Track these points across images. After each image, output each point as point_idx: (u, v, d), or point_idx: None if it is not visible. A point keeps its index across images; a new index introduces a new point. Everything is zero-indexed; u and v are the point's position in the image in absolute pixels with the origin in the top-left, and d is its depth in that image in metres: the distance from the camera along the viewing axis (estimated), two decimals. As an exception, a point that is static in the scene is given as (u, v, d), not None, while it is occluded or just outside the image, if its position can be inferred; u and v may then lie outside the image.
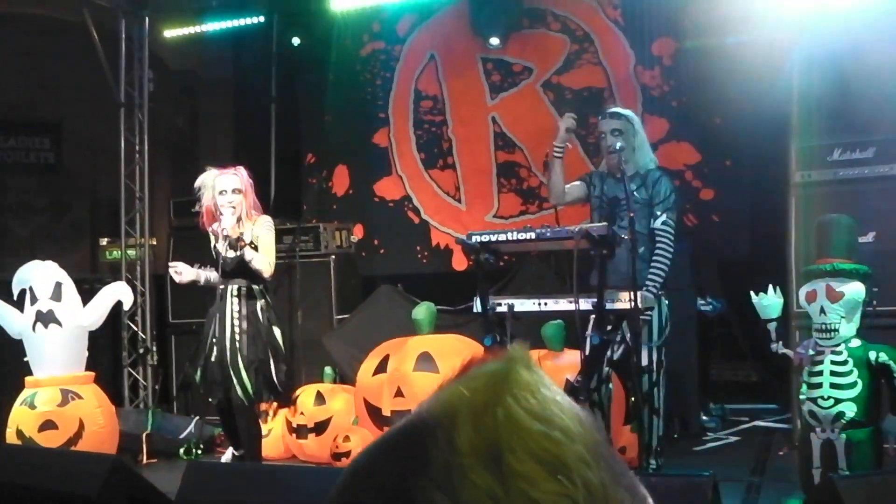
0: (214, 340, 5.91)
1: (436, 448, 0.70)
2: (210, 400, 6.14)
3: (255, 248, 5.85)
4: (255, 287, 5.90)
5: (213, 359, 5.93)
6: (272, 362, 5.88)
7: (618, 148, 5.59)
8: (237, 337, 5.84)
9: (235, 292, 5.87)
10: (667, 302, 5.67)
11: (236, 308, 5.86)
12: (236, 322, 5.85)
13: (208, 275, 6.09)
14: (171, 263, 6.25)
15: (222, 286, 5.91)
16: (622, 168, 5.50)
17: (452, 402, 0.73)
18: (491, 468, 0.68)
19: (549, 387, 0.75)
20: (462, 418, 0.71)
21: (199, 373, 6.05)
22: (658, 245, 5.57)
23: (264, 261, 5.84)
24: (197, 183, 6.00)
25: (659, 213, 5.56)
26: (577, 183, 6.02)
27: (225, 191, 5.85)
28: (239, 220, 5.87)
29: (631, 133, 5.73)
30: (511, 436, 0.70)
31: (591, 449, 0.71)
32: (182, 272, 6.09)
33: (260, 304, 5.91)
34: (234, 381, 5.82)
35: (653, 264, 5.53)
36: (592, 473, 0.70)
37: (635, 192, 5.57)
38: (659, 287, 5.55)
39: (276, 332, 5.95)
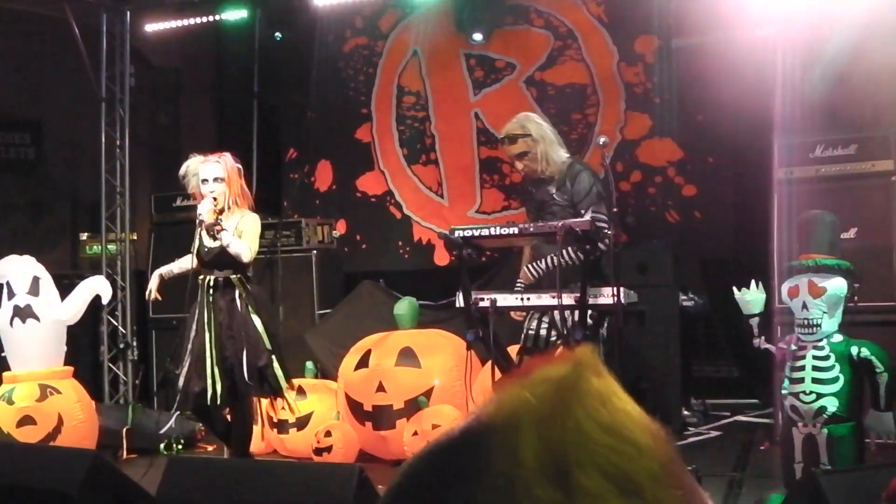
0: (193, 335, 5.66)
1: (494, 457, 0.65)
2: (193, 397, 5.69)
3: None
4: (232, 277, 5.63)
5: (192, 356, 5.65)
6: (246, 356, 5.55)
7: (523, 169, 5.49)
8: (212, 331, 5.58)
9: (211, 283, 5.62)
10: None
11: (212, 301, 5.62)
12: (213, 316, 5.60)
13: (178, 266, 5.91)
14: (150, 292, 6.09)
15: (200, 277, 5.67)
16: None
17: (516, 409, 0.68)
18: (557, 483, 0.64)
19: (620, 396, 0.70)
20: (526, 427, 0.66)
21: (182, 371, 5.69)
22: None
23: (243, 245, 5.54)
24: (181, 171, 5.82)
25: (583, 210, 5.22)
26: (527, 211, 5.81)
27: (206, 179, 5.61)
28: (223, 210, 5.61)
29: (532, 141, 5.41)
30: (580, 449, 0.65)
31: (662, 465, 0.67)
32: (152, 288, 6.00)
33: (237, 292, 5.62)
34: (209, 379, 5.54)
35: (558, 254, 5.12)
36: (664, 491, 0.66)
37: (555, 195, 5.38)
38: (542, 272, 5.31)
39: (256, 321, 5.62)
